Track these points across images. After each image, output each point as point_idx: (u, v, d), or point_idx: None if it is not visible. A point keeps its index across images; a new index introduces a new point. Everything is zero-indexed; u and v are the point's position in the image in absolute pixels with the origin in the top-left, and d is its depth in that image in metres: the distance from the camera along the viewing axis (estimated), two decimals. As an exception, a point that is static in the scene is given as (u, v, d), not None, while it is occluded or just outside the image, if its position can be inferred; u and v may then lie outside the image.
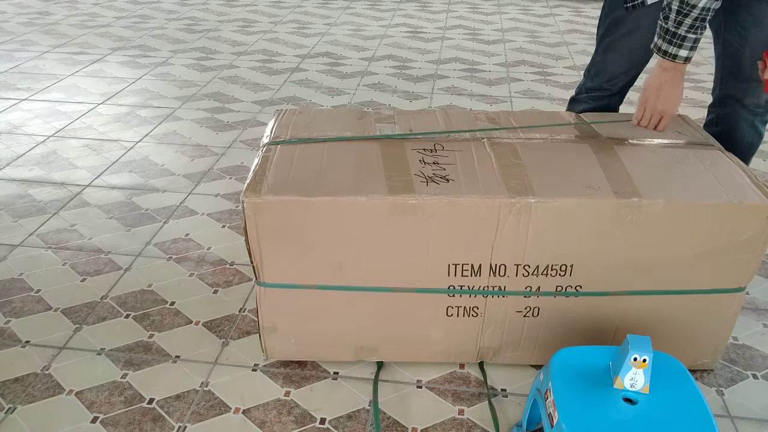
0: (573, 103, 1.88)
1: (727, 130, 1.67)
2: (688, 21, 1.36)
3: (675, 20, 1.37)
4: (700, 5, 1.34)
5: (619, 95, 1.83)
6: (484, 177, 1.32)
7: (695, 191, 1.29)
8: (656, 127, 1.52)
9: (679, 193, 1.28)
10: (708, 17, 1.37)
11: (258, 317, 1.41)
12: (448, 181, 1.30)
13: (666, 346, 1.25)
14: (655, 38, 1.44)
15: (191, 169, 2.42)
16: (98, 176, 2.35)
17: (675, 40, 1.38)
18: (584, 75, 1.86)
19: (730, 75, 1.67)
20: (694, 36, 1.39)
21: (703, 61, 3.81)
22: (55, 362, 1.50)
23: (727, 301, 1.37)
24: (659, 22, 1.41)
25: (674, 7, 1.35)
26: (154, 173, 2.38)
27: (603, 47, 1.75)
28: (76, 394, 1.41)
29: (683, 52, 1.40)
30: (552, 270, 1.33)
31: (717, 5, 1.35)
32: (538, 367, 1.50)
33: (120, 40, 4.04)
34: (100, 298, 1.71)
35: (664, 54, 1.42)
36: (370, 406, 1.40)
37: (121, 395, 1.41)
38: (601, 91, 1.80)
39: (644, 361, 1.07)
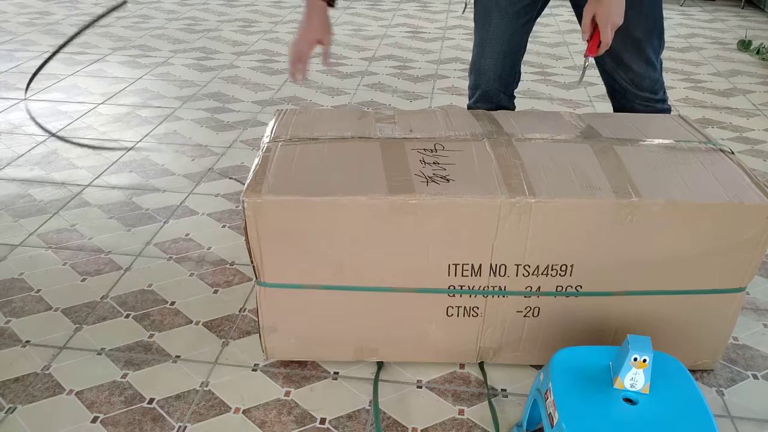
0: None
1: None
2: None
3: None
4: None
5: (505, 95, 1.81)
6: (484, 177, 1.32)
7: (695, 191, 1.29)
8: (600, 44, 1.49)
9: (679, 193, 1.28)
10: None
11: (258, 317, 1.41)
12: (448, 181, 1.30)
13: (666, 346, 1.25)
14: None
15: (191, 169, 2.42)
16: (98, 176, 2.35)
17: None
18: (470, 75, 1.84)
19: (604, 75, 1.74)
20: None
21: (703, 61, 3.81)
22: (55, 362, 1.50)
23: (727, 301, 1.37)
24: None
25: None
26: (154, 173, 2.38)
27: (477, 40, 1.76)
28: (76, 393, 1.41)
29: None
30: (552, 270, 1.33)
31: None
32: (538, 367, 1.50)
33: (120, 40, 4.04)
34: (101, 298, 1.71)
35: None
36: (370, 406, 1.40)
37: (121, 395, 1.41)
38: (486, 93, 1.79)
39: (644, 361, 1.07)
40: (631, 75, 1.67)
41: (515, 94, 1.87)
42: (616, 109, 1.79)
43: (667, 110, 1.75)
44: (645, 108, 1.71)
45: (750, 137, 2.76)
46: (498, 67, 1.75)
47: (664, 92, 1.74)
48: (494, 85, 1.78)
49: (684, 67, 3.69)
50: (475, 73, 1.80)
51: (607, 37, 1.45)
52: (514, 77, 1.83)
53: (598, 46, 1.48)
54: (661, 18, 1.65)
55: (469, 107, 1.84)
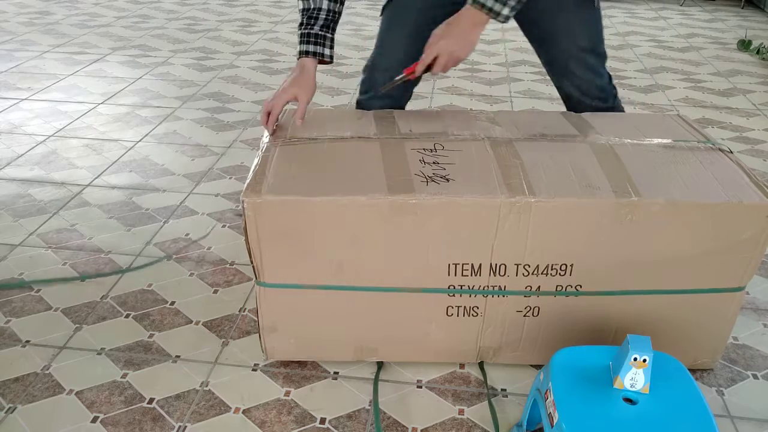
0: (359, 106, 1.78)
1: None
2: None
3: None
4: None
5: (402, 95, 1.77)
6: (484, 177, 1.32)
7: (695, 191, 1.29)
8: (435, 70, 1.48)
9: (678, 193, 1.28)
10: None
11: (258, 317, 1.41)
12: (448, 180, 1.30)
13: (666, 346, 1.25)
14: None
15: (191, 168, 2.42)
16: (98, 176, 2.35)
17: None
18: (364, 71, 1.79)
19: (555, 84, 1.76)
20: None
21: (703, 61, 3.81)
22: (55, 362, 1.50)
23: (727, 300, 1.37)
24: None
25: None
26: (154, 173, 2.38)
27: (378, 41, 1.74)
28: (76, 393, 1.42)
29: (506, 11, 1.41)
30: (552, 270, 1.33)
31: None
32: (538, 367, 1.50)
33: (120, 40, 4.04)
34: (100, 298, 1.71)
35: (489, 11, 1.41)
36: (370, 405, 1.40)
37: (121, 395, 1.41)
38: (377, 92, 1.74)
39: (644, 361, 1.07)
40: (578, 82, 1.69)
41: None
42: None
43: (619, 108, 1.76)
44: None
45: (750, 137, 2.76)
46: (402, 65, 1.69)
47: (615, 99, 1.75)
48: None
49: (684, 67, 3.69)
50: (375, 71, 1.73)
51: (440, 68, 1.45)
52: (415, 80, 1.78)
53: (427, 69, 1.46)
54: (601, 31, 1.67)
55: (360, 102, 1.78)
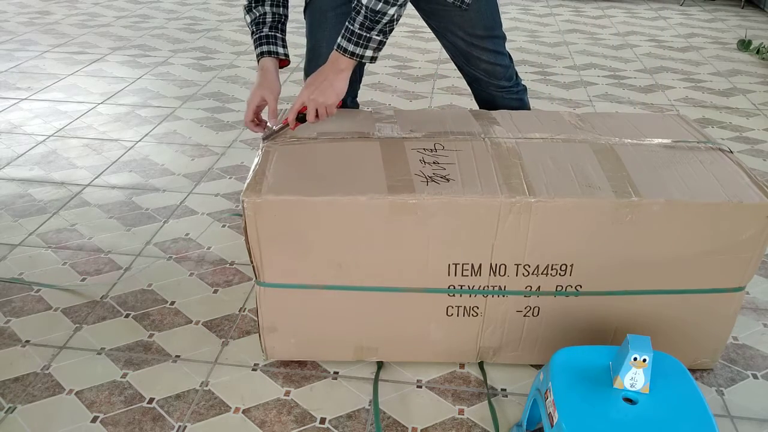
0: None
1: (492, 106, 1.80)
2: (378, 27, 1.38)
3: (365, 25, 1.38)
4: (389, 14, 1.37)
5: (349, 96, 1.78)
6: (484, 177, 1.32)
7: (695, 191, 1.29)
8: (309, 119, 1.49)
9: (678, 193, 1.28)
10: (395, 25, 1.41)
11: (258, 317, 1.41)
12: (448, 180, 1.30)
13: (666, 346, 1.26)
14: (339, 39, 1.42)
15: (191, 168, 2.42)
16: (98, 176, 2.35)
17: (362, 42, 1.40)
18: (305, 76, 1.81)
19: (462, 63, 1.79)
20: (380, 39, 1.41)
21: (703, 60, 3.81)
22: (55, 362, 1.50)
23: (726, 300, 1.37)
24: (347, 24, 1.41)
25: (363, 13, 1.37)
26: (154, 173, 2.38)
27: (307, 50, 1.77)
28: (76, 393, 1.42)
29: (369, 53, 1.42)
30: (552, 270, 1.33)
31: (402, 13, 1.40)
32: (538, 366, 1.50)
33: (120, 40, 4.04)
34: (100, 298, 1.71)
35: (352, 55, 1.42)
36: (370, 405, 1.40)
37: (121, 395, 1.41)
38: None
39: (644, 360, 1.07)
40: (484, 66, 1.74)
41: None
42: (476, 98, 1.86)
43: (523, 91, 1.83)
44: (501, 94, 1.79)
45: (750, 137, 2.76)
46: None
47: (518, 77, 1.82)
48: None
49: (684, 66, 3.69)
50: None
51: (312, 117, 1.46)
52: (358, 77, 1.81)
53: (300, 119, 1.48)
54: (498, 14, 1.72)
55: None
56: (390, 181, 1.30)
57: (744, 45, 4.04)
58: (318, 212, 1.28)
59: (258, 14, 1.59)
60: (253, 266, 1.34)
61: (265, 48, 1.58)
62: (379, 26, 1.38)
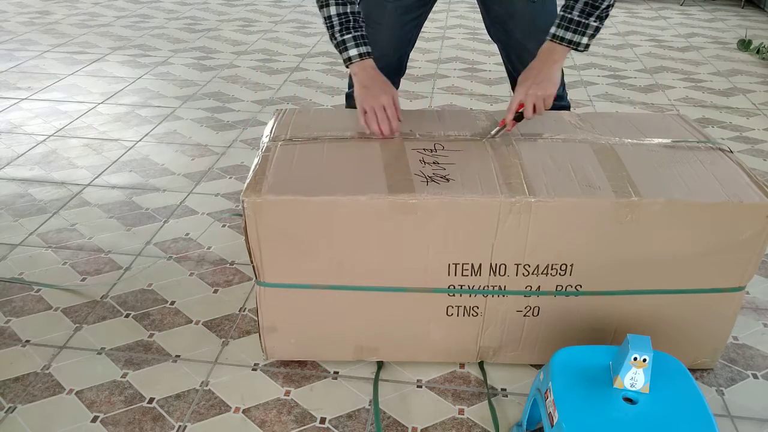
0: (349, 99, 1.80)
1: None
2: (596, 12, 1.40)
3: (585, 11, 1.40)
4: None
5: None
6: (484, 177, 1.32)
7: (695, 190, 1.29)
8: (528, 115, 1.49)
9: (678, 193, 1.28)
10: (610, 11, 1.43)
11: (258, 317, 1.41)
12: (448, 180, 1.30)
13: (666, 346, 1.25)
14: (554, 30, 1.45)
15: (191, 168, 2.42)
16: (98, 176, 2.35)
17: (580, 29, 1.42)
18: None
19: (508, 66, 1.81)
20: (597, 24, 1.43)
21: (703, 60, 3.81)
22: (55, 362, 1.50)
23: (727, 300, 1.37)
24: (560, 12, 1.43)
25: (583, 0, 1.40)
26: (154, 173, 2.38)
27: None
28: (76, 393, 1.42)
29: (585, 40, 1.44)
30: (552, 269, 1.33)
31: None
32: (538, 366, 1.50)
33: (120, 40, 4.04)
34: (100, 298, 1.71)
35: (569, 43, 1.44)
36: (370, 405, 1.40)
37: (121, 395, 1.41)
38: None
39: (644, 360, 1.07)
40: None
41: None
42: None
43: (567, 107, 1.81)
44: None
45: (750, 137, 2.76)
46: (385, 60, 1.70)
47: (564, 88, 1.78)
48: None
49: (684, 66, 3.69)
50: None
51: (530, 113, 1.46)
52: (400, 70, 1.83)
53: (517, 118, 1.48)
54: (555, 10, 1.69)
55: (351, 96, 1.77)
56: (390, 181, 1.30)
57: (744, 45, 4.04)
58: (318, 212, 1.28)
59: (349, 10, 1.47)
60: (253, 266, 1.34)
61: (367, 49, 1.50)
62: (598, 12, 1.40)
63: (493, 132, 1.48)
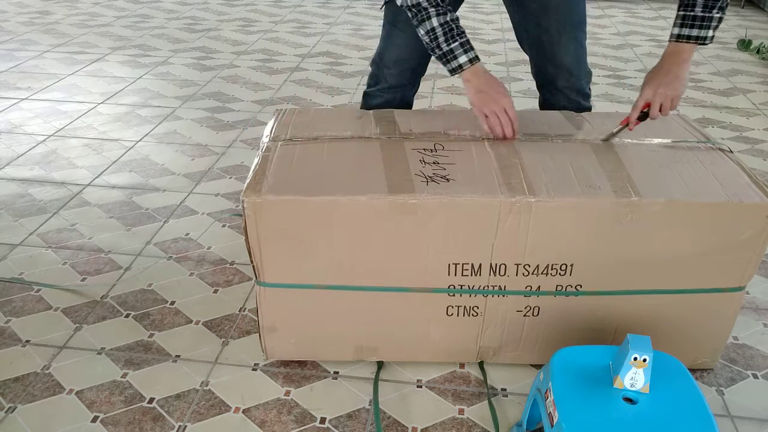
0: (367, 98, 1.83)
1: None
2: (718, 4, 1.41)
3: (707, 5, 1.41)
4: None
5: (410, 86, 1.81)
6: (484, 177, 1.32)
7: (695, 190, 1.29)
8: (653, 115, 1.50)
9: (679, 193, 1.28)
10: None
11: (258, 317, 1.41)
12: (448, 180, 1.30)
13: (666, 346, 1.25)
14: (678, 30, 1.45)
15: (191, 168, 2.42)
16: (98, 176, 2.35)
17: (705, 23, 1.43)
18: (372, 65, 1.82)
19: (538, 62, 1.77)
20: (719, 16, 1.43)
21: (703, 60, 3.81)
22: (55, 361, 1.50)
23: (727, 300, 1.37)
24: (681, 12, 1.44)
25: None
26: (154, 173, 2.38)
27: (385, 33, 1.75)
28: (77, 393, 1.42)
29: (710, 32, 1.44)
30: (552, 269, 1.33)
31: None
32: (538, 366, 1.50)
33: (120, 40, 4.04)
34: (100, 298, 1.71)
35: (696, 39, 1.44)
36: (370, 405, 1.40)
37: (121, 395, 1.41)
38: (389, 82, 1.77)
39: (644, 360, 1.07)
40: (569, 60, 1.70)
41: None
42: (542, 103, 1.83)
43: (588, 108, 1.79)
44: (568, 101, 1.74)
45: (750, 137, 2.76)
46: (411, 63, 1.73)
47: (589, 87, 1.79)
48: (403, 78, 1.77)
49: (684, 66, 3.69)
50: (382, 65, 1.76)
51: (656, 114, 1.46)
52: (422, 72, 1.82)
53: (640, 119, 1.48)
54: (585, 5, 1.71)
55: (368, 94, 1.81)
56: (390, 181, 1.30)
57: (744, 45, 4.04)
58: (318, 212, 1.28)
59: (449, 18, 1.45)
60: (253, 266, 1.34)
61: (475, 54, 1.50)
62: (720, 3, 1.40)
63: (614, 130, 1.48)
